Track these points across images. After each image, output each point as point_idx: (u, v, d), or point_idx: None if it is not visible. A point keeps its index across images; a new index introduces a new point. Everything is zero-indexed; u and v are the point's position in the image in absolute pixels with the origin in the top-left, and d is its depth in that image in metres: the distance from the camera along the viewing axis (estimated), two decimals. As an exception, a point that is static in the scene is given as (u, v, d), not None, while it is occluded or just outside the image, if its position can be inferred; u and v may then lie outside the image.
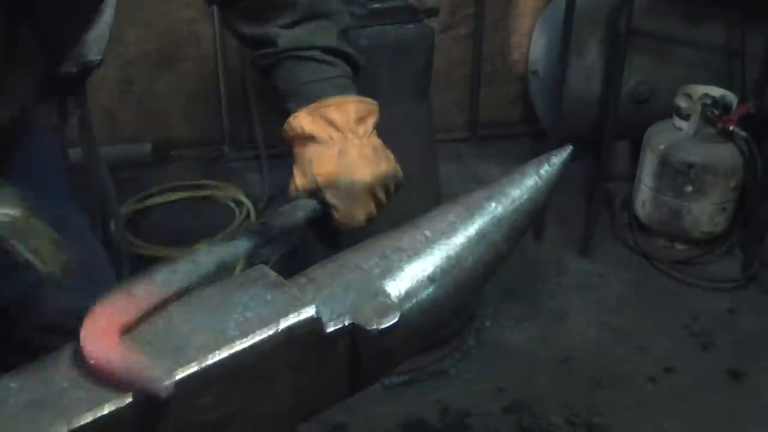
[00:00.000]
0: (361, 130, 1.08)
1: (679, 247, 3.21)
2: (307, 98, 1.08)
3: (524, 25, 3.96)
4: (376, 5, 2.20)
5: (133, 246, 2.99)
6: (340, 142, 1.06)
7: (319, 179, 1.05)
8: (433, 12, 2.33)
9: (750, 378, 2.55)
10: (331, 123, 1.07)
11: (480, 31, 3.91)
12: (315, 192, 1.06)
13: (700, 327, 2.79)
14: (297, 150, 1.09)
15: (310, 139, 1.07)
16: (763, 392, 2.49)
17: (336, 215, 1.05)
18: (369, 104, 1.12)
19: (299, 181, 1.07)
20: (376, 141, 1.11)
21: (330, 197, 1.05)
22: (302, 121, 1.07)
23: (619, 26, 2.95)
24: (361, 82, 2.48)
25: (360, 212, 1.07)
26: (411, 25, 2.26)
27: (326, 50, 1.12)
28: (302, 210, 1.05)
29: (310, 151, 1.07)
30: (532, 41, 3.77)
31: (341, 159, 1.05)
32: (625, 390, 2.48)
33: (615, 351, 2.66)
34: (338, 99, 1.08)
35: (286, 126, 1.09)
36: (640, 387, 2.51)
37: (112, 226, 2.69)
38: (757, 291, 2.97)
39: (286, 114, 1.10)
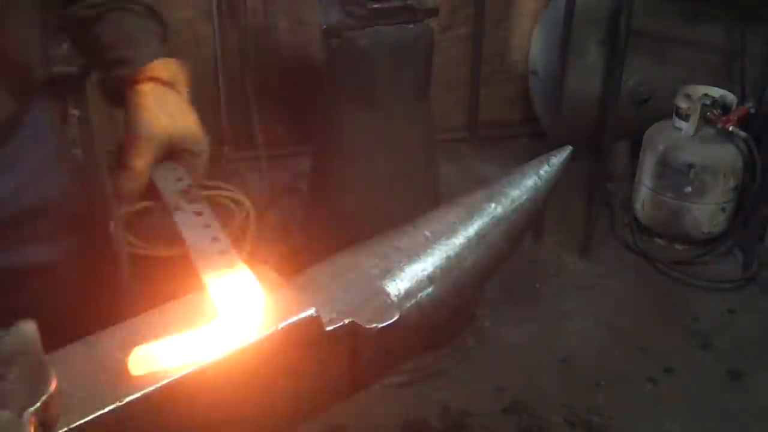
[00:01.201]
0: (185, 88, 1.13)
1: (679, 247, 3.21)
2: (136, 48, 1.11)
3: (524, 25, 3.96)
4: (376, 5, 2.21)
5: (132, 246, 2.99)
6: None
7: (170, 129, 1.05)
8: (433, 12, 2.34)
9: (750, 378, 2.55)
10: (163, 81, 1.10)
11: (480, 31, 3.91)
12: (165, 145, 1.04)
13: (700, 327, 2.79)
14: (138, 103, 1.06)
15: (148, 95, 1.07)
16: (763, 392, 2.49)
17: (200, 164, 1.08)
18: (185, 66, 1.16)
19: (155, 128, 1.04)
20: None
21: (190, 146, 1.07)
22: (147, 77, 1.08)
23: (619, 26, 2.95)
24: (361, 81, 2.50)
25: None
26: (411, 25, 2.26)
27: (146, 7, 1.18)
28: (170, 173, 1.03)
29: (150, 102, 1.06)
30: (532, 41, 3.77)
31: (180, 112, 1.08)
32: (625, 390, 2.48)
33: (615, 351, 2.66)
34: (164, 60, 1.12)
35: (128, 77, 1.08)
36: (640, 387, 2.51)
37: (112, 226, 2.69)
38: (757, 291, 2.97)
39: (110, 63, 1.11)
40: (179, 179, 0.99)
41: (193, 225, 0.89)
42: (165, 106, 1.05)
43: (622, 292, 2.98)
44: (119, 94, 1.09)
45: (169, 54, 1.14)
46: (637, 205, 3.26)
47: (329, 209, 2.48)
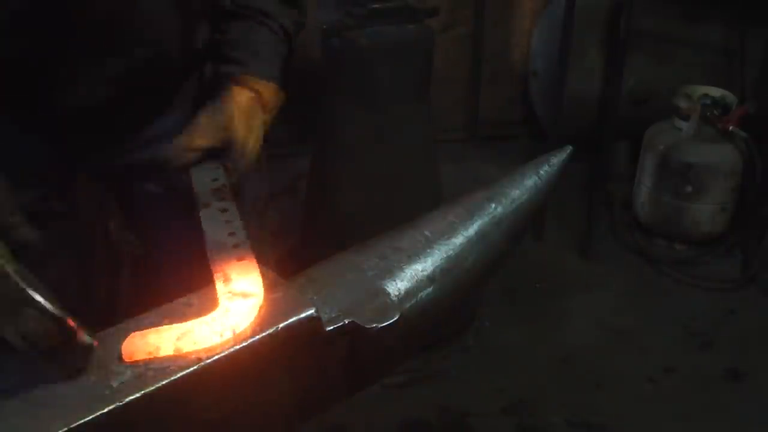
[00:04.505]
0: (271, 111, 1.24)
1: (679, 247, 3.21)
2: (260, 62, 1.24)
3: (524, 25, 3.96)
4: (376, 5, 2.20)
5: (133, 246, 2.99)
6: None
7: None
8: (433, 12, 2.33)
9: (750, 378, 2.55)
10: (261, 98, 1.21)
11: (480, 31, 3.91)
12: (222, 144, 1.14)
13: (700, 327, 2.79)
14: (236, 101, 1.18)
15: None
16: (763, 392, 2.49)
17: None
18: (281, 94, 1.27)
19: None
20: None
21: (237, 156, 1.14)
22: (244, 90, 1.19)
23: (619, 26, 2.95)
24: (360, 81, 2.49)
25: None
26: (411, 25, 2.26)
27: (284, 31, 1.28)
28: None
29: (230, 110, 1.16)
30: (531, 41, 3.77)
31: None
32: (625, 390, 2.48)
33: (615, 351, 2.66)
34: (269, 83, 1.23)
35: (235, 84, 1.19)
36: (640, 387, 2.50)
37: (112, 226, 2.69)
38: (757, 291, 2.96)
39: (229, 59, 1.22)
40: (215, 179, 1.07)
41: (215, 220, 0.94)
42: (248, 117, 1.17)
43: (622, 292, 2.98)
44: (216, 87, 1.19)
45: (281, 81, 1.26)
46: (637, 205, 3.26)
47: (329, 209, 2.48)
